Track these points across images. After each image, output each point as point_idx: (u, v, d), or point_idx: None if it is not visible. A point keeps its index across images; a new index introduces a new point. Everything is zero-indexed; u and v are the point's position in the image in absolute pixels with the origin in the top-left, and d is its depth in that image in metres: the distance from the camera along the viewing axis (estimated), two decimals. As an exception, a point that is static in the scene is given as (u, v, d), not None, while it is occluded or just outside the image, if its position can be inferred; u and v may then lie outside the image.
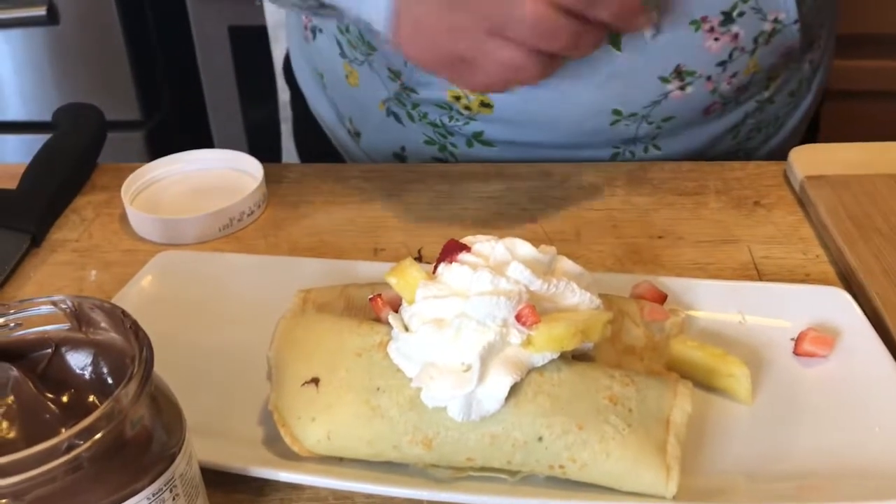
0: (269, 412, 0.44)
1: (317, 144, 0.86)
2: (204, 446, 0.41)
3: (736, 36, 0.63)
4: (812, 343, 0.48)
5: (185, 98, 1.59)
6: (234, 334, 0.52)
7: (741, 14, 0.62)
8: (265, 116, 1.38)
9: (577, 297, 0.44)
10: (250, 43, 1.48)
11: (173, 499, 0.35)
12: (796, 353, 0.48)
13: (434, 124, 0.72)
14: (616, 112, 0.66)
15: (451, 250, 0.45)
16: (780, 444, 0.44)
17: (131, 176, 0.66)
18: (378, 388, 0.42)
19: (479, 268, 0.42)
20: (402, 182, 0.69)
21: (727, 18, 0.62)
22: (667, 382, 0.43)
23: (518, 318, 0.41)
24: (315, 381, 0.43)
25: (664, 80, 0.64)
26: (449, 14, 0.51)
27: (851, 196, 0.60)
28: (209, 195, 0.65)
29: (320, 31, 0.77)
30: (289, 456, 0.43)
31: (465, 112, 0.69)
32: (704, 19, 0.62)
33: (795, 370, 0.48)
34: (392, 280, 0.44)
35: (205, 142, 1.60)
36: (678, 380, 0.44)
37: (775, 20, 0.63)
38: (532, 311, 0.41)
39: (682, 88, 0.65)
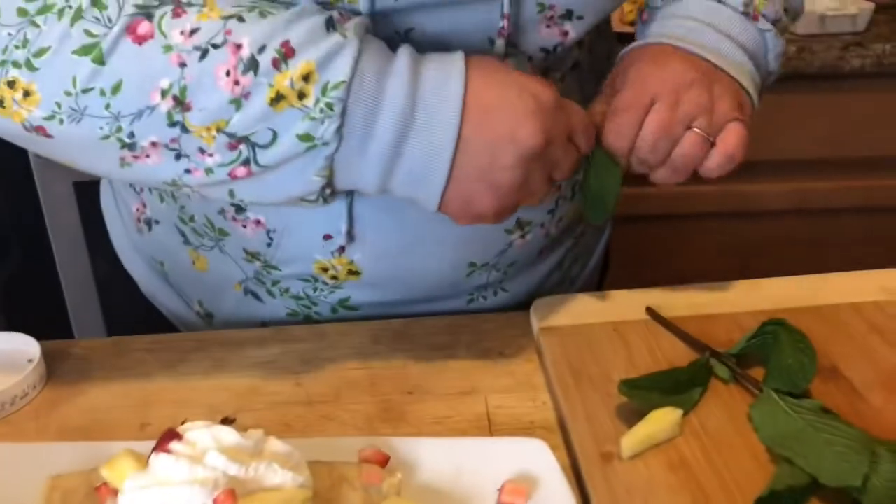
0: None
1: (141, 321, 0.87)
2: None
3: (560, 187, 0.73)
4: (509, 494, 0.53)
5: (34, 252, 1.61)
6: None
7: None
8: (114, 267, 1.41)
9: (279, 477, 0.48)
10: (96, 197, 1.52)
11: None
12: (500, 502, 0.54)
13: (297, 297, 0.75)
14: (472, 264, 0.73)
15: (165, 439, 0.49)
16: None
17: None
18: (89, 580, 0.45)
19: (180, 457, 0.47)
20: (182, 352, 0.73)
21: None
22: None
23: (215, 503, 0.45)
24: (29, 577, 0.46)
25: (509, 231, 0.72)
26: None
27: (573, 344, 0.67)
28: (-13, 380, 0.68)
29: (157, 222, 0.79)
30: None
31: (332, 282, 0.73)
32: None
33: (498, 520, 0.53)
34: (104, 472, 0.48)
35: (55, 295, 1.60)
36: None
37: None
38: (228, 496, 0.45)
39: (522, 237, 0.73)
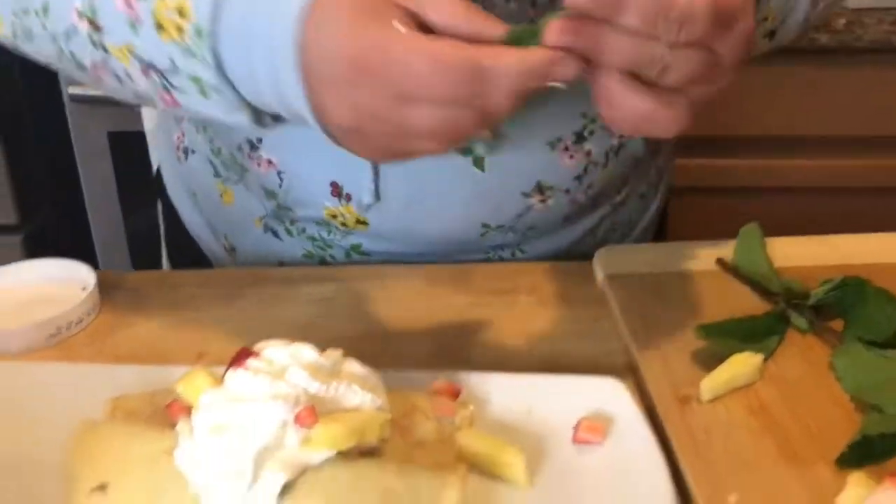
0: (63, 522, 0.45)
1: (189, 257, 0.87)
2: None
3: (589, 153, 0.69)
4: (586, 431, 0.52)
5: (66, 202, 1.60)
6: (45, 446, 0.52)
7: (591, 133, 0.68)
8: (146, 221, 1.40)
9: (358, 398, 0.47)
10: (130, 148, 1.51)
11: None
12: (574, 440, 0.52)
13: (312, 238, 0.75)
14: (485, 225, 0.71)
15: (240, 357, 0.47)
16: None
17: (-40, 289, 0.67)
18: (163, 494, 0.44)
19: (259, 373, 0.45)
20: (237, 287, 0.71)
21: (579, 138, 0.68)
22: (438, 473, 0.46)
23: (296, 419, 0.44)
24: (103, 487, 0.45)
25: (526, 195, 0.69)
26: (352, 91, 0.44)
27: (641, 293, 0.65)
28: (41, 305, 0.67)
29: (192, 151, 0.79)
30: (80, 564, 0.44)
31: (342, 228, 0.72)
32: (559, 140, 0.67)
33: (573, 457, 0.51)
34: (179, 388, 0.47)
35: (85, 247, 1.60)
36: (451, 470, 0.47)
37: (621, 135, 0.70)
38: (310, 413, 0.44)
39: (543, 201, 0.70)
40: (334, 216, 0.71)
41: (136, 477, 0.45)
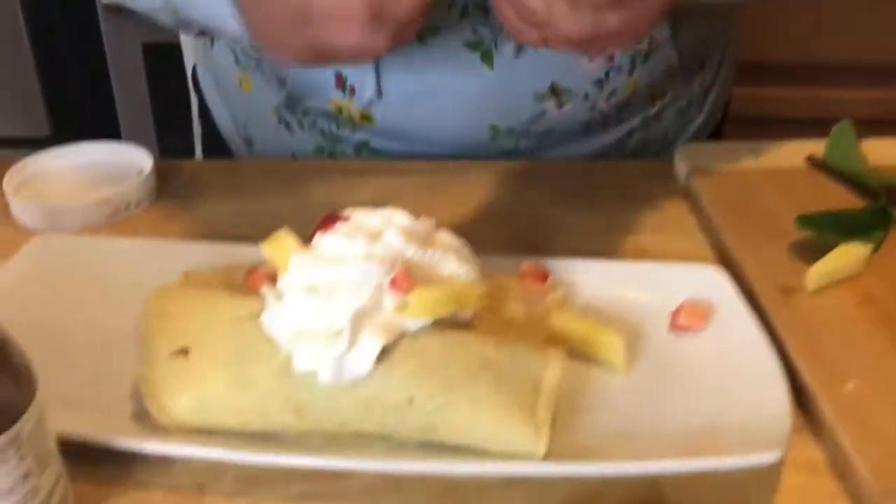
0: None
1: (222, 153, 0.85)
2: (67, 419, 0.40)
3: (611, 56, 0.63)
4: (687, 316, 0.49)
5: (98, 116, 1.56)
6: (114, 316, 0.50)
7: None
8: (179, 135, 1.37)
9: (452, 267, 0.44)
10: (164, 60, 1.47)
11: (19, 458, 0.33)
12: (673, 326, 0.49)
13: (322, 132, 0.72)
14: (493, 127, 0.67)
15: (328, 222, 0.45)
16: (654, 409, 0.44)
17: (14, 167, 0.64)
18: (249, 357, 0.41)
19: (353, 235, 0.43)
20: (300, 176, 0.68)
21: None
22: (539, 349, 0.43)
23: (392, 283, 0.41)
24: (184, 351, 0.42)
25: (540, 97, 0.64)
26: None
27: (730, 188, 0.62)
28: (98, 186, 0.64)
29: (217, 39, 0.77)
30: (160, 430, 0.42)
31: (349, 122, 0.70)
32: None
33: (671, 342, 0.49)
34: (266, 250, 0.44)
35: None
36: (550, 347, 0.44)
37: (650, 40, 0.64)
38: (406, 277, 0.41)
39: (559, 106, 0.65)
40: (340, 109, 0.68)
41: (219, 341, 0.42)
